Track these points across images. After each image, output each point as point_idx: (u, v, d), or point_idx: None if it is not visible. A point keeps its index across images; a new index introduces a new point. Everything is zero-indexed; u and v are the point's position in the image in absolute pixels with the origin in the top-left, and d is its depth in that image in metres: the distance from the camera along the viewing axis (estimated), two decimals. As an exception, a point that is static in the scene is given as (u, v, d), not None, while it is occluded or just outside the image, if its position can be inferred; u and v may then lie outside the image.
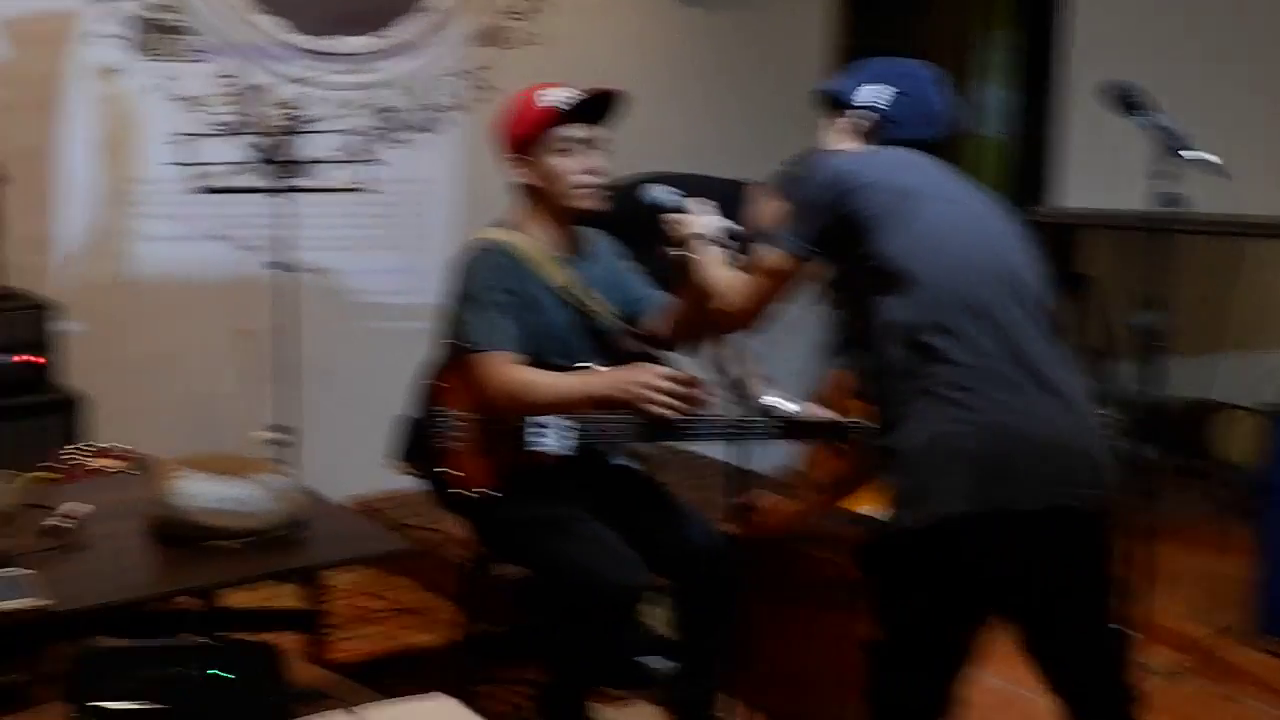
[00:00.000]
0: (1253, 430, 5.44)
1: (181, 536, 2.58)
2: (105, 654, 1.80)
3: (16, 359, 3.63)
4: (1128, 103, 3.12)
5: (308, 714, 1.86)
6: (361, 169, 4.21)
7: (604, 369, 2.94)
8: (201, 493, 2.59)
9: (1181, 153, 3.01)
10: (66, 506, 2.68)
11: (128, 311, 4.32)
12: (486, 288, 2.94)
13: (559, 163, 2.97)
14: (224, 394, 4.51)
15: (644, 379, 2.80)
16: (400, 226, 4.79)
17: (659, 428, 2.89)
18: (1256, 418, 5.42)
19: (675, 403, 2.77)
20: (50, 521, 2.63)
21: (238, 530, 2.58)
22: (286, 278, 4.19)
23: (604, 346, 3.08)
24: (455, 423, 3.02)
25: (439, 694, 1.95)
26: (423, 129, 4.77)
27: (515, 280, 2.96)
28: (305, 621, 2.86)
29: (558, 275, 3.02)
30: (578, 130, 2.97)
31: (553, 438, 2.95)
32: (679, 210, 2.93)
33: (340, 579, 4.32)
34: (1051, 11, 5.59)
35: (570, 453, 2.95)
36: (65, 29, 4.12)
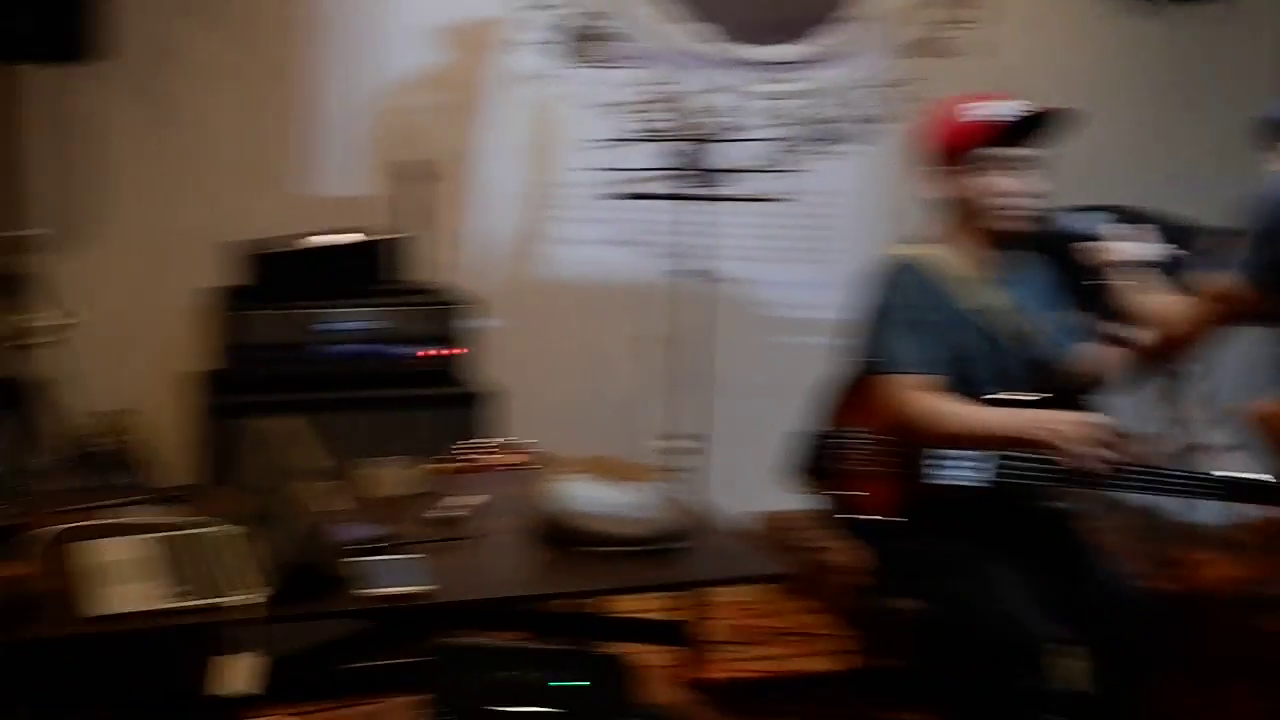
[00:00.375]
0: None
1: (563, 538, 2.53)
2: (463, 650, 1.74)
3: (422, 354, 3.71)
4: None
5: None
6: (779, 179, 4.11)
7: (1025, 405, 2.69)
8: (587, 496, 2.53)
9: None
10: (457, 498, 2.69)
11: (540, 311, 4.40)
12: (903, 306, 2.78)
13: (993, 181, 2.76)
14: (627, 399, 4.52)
15: (1073, 424, 2.56)
16: (814, 239, 4.66)
17: (1084, 475, 2.65)
18: None
19: (1104, 453, 2.52)
20: (440, 512, 2.64)
21: (619, 537, 2.50)
22: (695, 286, 4.14)
23: (1023, 376, 2.83)
24: (858, 443, 2.86)
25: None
26: (845, 140, 4.61)
27: (933, 300, 2.79)
28: (675, 635, 2.75)
29: (979, 297, 2.80)
30: (1018, 148, 2.75)
31: (967, 470, 2.74)
32: (1093, 238, 2.65)
33: (725, 594, 4.23)
34: None
35: (983, 485, 2.72)
36: (494, 36, 4.23)
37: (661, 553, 2.50)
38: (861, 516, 2.89)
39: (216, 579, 2.24)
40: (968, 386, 2.77)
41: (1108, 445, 2.56)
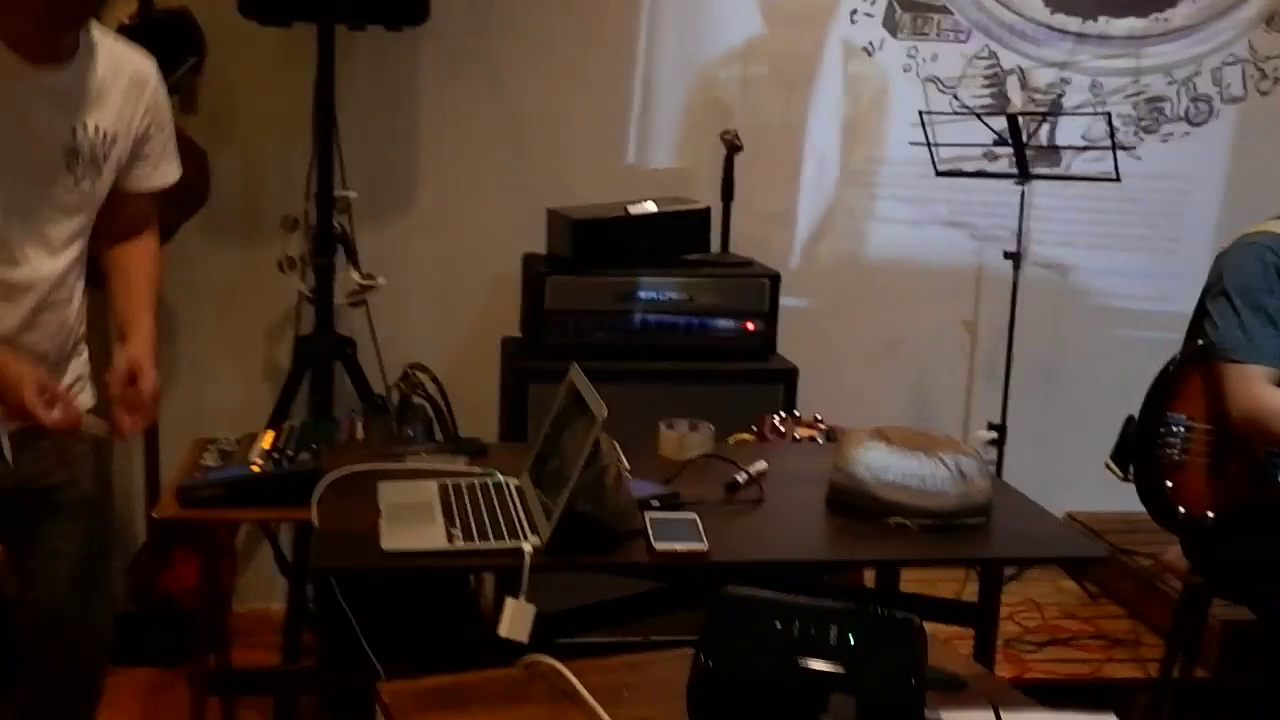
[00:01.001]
0: None
1: (858, 507, 2.44)
2: (741, 600, 1.68)
3: (730, 328, 3.68)
4: None
5: (946, 706, 1.63)
6: (1116, 161, 3.87)
7: None
8: (885, 465, 2.44)
9: None
10: (749, 464, 2.63)
11: (856, 291, 4.30)
12: (1255, 290, 2.55)
13: None
14: (939, 385, 4.38)
15: None
16: (1152, 227, 4.38)
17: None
18: None
19: None
20: (731, 476, 2.60)
21: (916, 509, 2.39)
22: (1019, 271, 3.96)
23: None
24: (1188, 433, 2.65)
25: (1113, 715, 1.65)
26: (1191, 121, 4.31)
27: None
28: (969, 616, 2.61)
29: None
30: None
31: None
32: None
33: (1038, 591, 4.04)
34: None
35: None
36: (828, 7, 4.14)
37: (958, 529, 2.39)
38: (1187, 512, 2.68)
39: (501, 525, 2.27)
40: None
41: None
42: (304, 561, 3.49)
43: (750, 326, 3.70)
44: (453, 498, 2.39)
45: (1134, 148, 4.26)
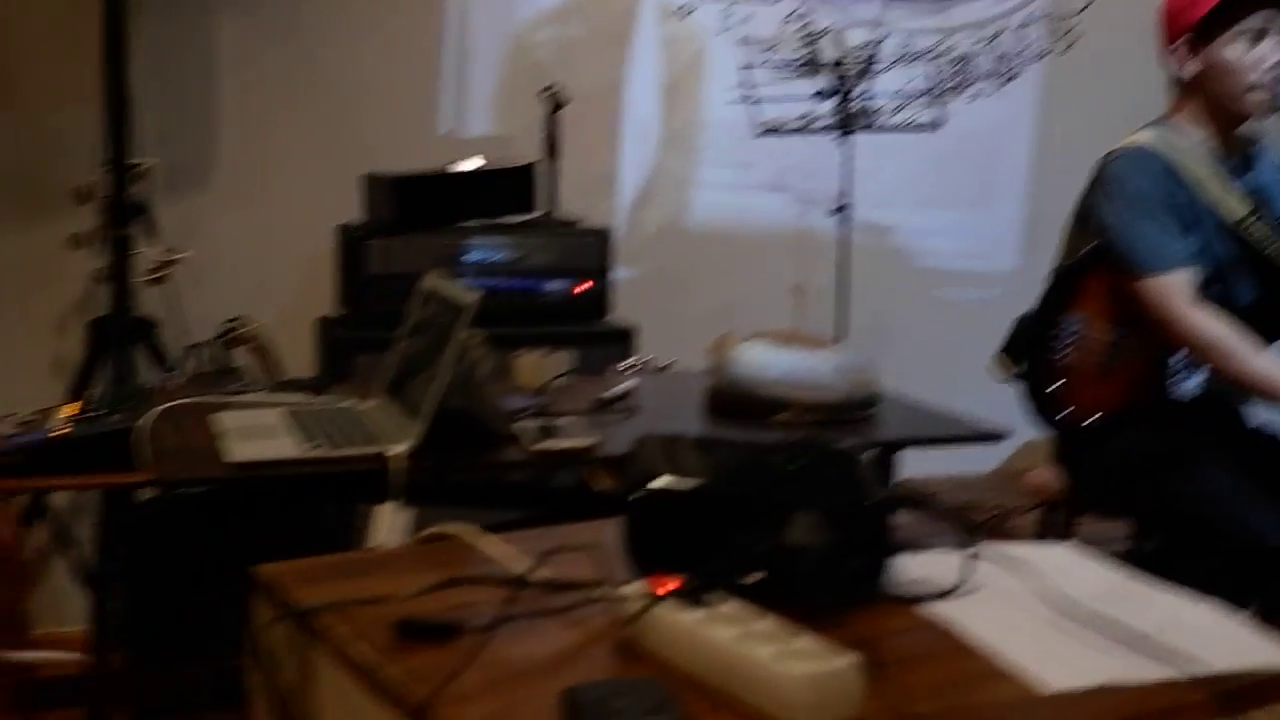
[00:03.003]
0: None
1: (742, 409, 2.31)
2: (667, 438, 1.51)
3: (564, 289, 3.53)
4: None
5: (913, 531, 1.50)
6: (931, 118, 3.88)
7: None
8: (767, 362, 2.32)
9: None
10: (614, 383, 2.48)
11: (682, 258, 4.19)
12: (1149, 196, 2.51)
13: (1239, 56, 2.50)
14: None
15: None
16: (966, 184, 4.41)
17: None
18: None
19: None
20: (599, 394, 2.43)
21: (803, 403, 2.27)
22: (846, 232, 3.92)
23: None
24: (1082, 335, 2.59)
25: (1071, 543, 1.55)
26: (998, 78, 4.37)
27: (1178, 194, 2.52)
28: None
29: (1225, 197, 2.54)
30: (1266, 15, 2.51)
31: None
32: None
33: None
34: None
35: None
36: (641, -33, 4.06)
37: (849, 421, 2.27)
38: (1073, 412, 2.62)
39: (361, 437, 2.06)
40: (1226, 305, 2.53)
41: None
42: (114, 562, 3.17)
43: (583, 286, 3.55)
44: (304, 418, 2.17)
45: (948, 108, 4.28)
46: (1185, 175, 2.52)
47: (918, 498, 1.55)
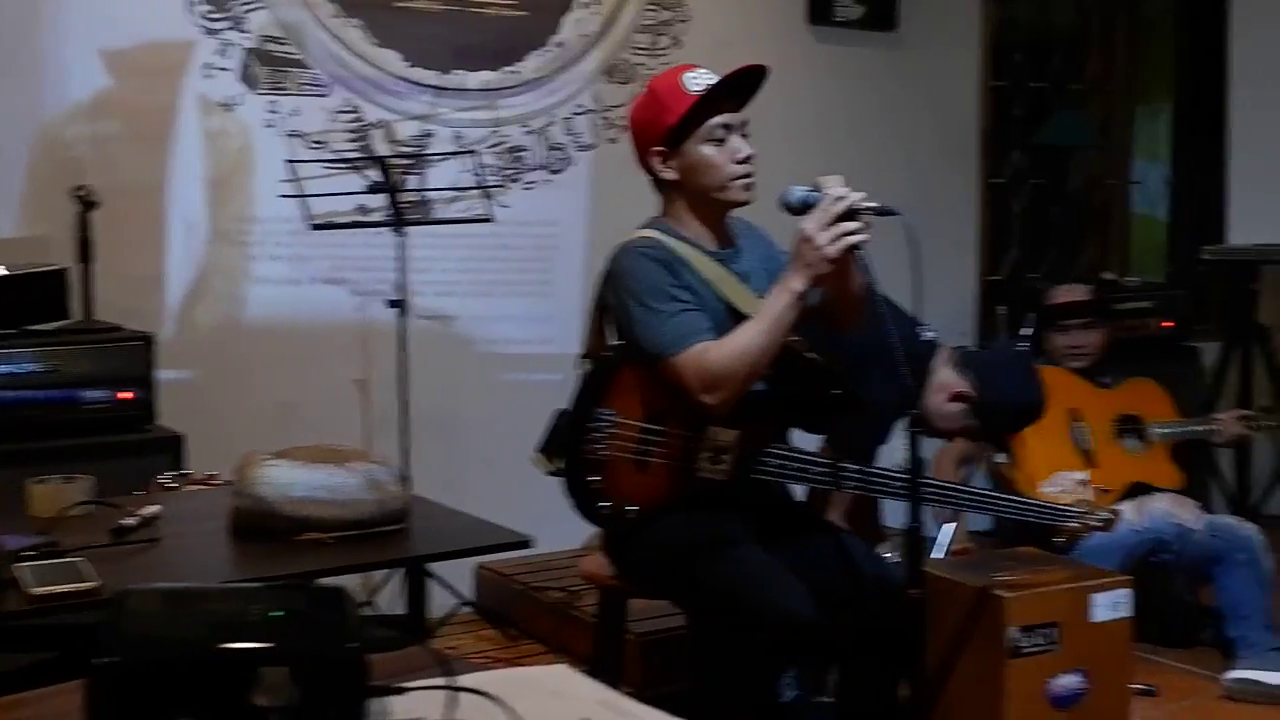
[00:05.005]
0: None
1: (267, 529, 2.25)
2: (145, 593, 1.45)
3: (118, 395, 3.38)
4: None
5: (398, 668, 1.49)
6: (486, 209, 3.95)
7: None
8: (290, 480, 2.27)
9: None
10: (137, 510, 2.37)
11: (239, 357, 4.08)
12: (656, 286, 2.61)
13: (713, 153, 2.66)
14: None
15: (808, 240, 2.47)
16: (526, 272, 4.51)
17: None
18: None
19: (850, 228, 2.45)
20: (117, 520, 2.32)
21: (330, 521, 2.24)
22: (406, 323, 3.92)
23: None
24: (615, 428, 2.67)
25: (564, 666, 1.57)
26: (550, 169, 4.50)
27: (681, 277, 2.65)
28: (407, 624, 2.48)
29: (713, 273, 2.70)
30: (728, 116, 2.68)
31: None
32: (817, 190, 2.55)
33: (461, 642, 3.98)
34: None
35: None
36: (180, 60, 3.94)
37: (377, 536, 2.26)
38: (612, 506, 2.69)
39: None
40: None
41: (849, 218, 2.45)
42: None
43: (125, 395, 3.40)
44: None
45: (502, 192, 4.37)
46: (684, 262, 2.66)
47: (399, 637, 1.55)
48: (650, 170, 2.73)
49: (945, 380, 3.35)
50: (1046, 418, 4.02)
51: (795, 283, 2.54)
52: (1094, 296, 4.32)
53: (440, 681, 1.44)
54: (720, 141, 2.66)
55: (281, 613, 1.43)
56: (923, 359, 3.32)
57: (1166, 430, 4.09)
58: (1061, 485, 3.86)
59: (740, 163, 2.67)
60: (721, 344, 2.56)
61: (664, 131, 2.66)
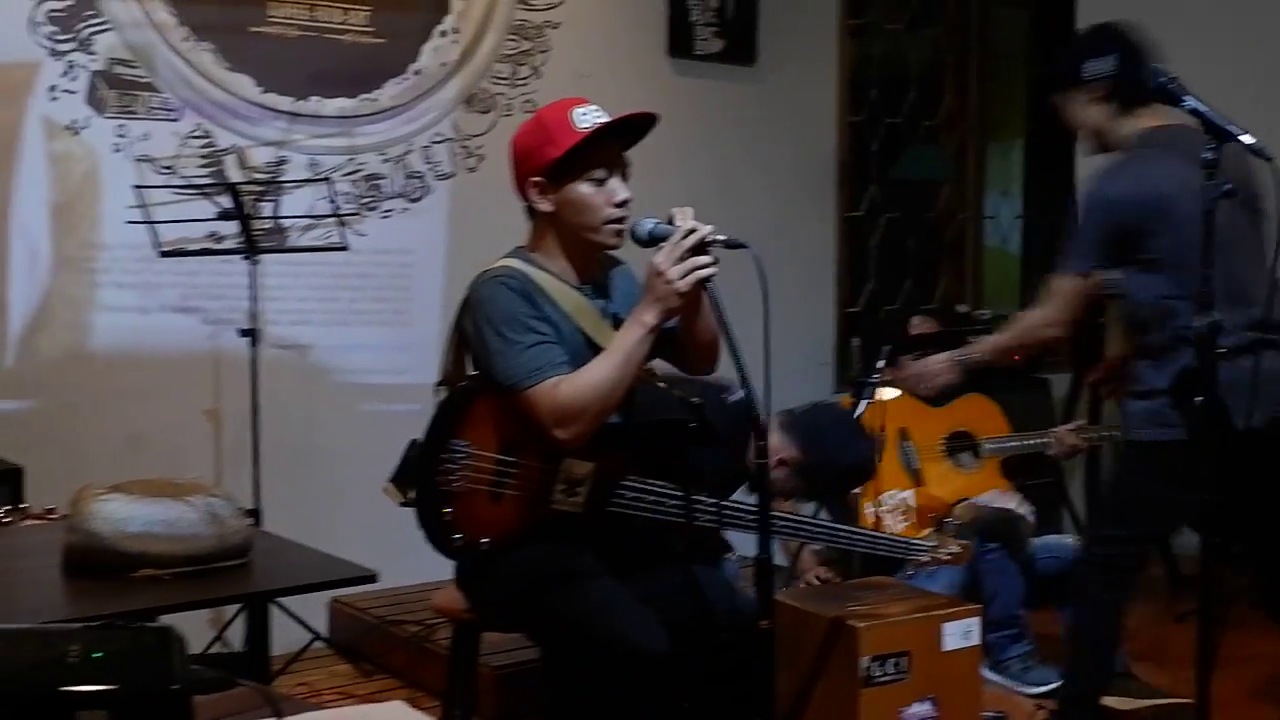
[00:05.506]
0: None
1: (102, 565, 2.18)
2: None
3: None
4: (1167, 91, 2.75)
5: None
6: (341, 237, 3.90)
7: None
8: (126, 515, 2.20)
9: (1241, 138, 2.62)
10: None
11: (84, 387, 3.96)
12: (513, 316, 2.59)
13: (591, 193, 2.63)
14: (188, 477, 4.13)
15: (660, 274, 2.50)
16: (383, 301, 4.45)
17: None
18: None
19: (701, 261, 2.48)
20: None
21: (168, 557, 2.18)
22: (259, 353, 3.85)
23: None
24: (469, 460, 2.63)
25: (398, 702, 1.54)
26: (409, 198, 4.45)
27: (542, 309, 2.63)
28: (245, 664, 2.42)
29: (576, 308, 2.69)
30: (612, 158, 2.66)
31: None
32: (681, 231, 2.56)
33: (314, 678, 3.90)
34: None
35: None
36: (24, 81, 3.83)
37: (217, 571, 2.20)
38: (466, 540, 2.66)
39: None
40: None
41: (700, 251, 2.47)
42: None
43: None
44: None
45: (358, 220, 4.32)
46: (545, 294, 2.65)
47: (226, 677, 1.50)
48: (526, 199, 2.72)
49: (771, 445, 3.37)
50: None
51: (647, 316, 2.54)
52: (945, 328, 4.40)
53: (270, 722, 1.40)
54: (600, 182, 2.64)
55: (102, 654, 1.38)
56: (739, 421, 3.32)
57: (998, 445, 4.17)
58: (887, 505, 3.92)
59: (617, 206, 2.66)
60: (574, 378, 2.55)
61: (547, 164, 2.63)
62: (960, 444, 4.18)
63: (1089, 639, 3.28)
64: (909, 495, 4.04)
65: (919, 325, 4.37)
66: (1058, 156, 5.71)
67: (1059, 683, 3.49)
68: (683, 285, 2.48)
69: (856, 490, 3.92)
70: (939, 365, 3.53)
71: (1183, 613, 4.58)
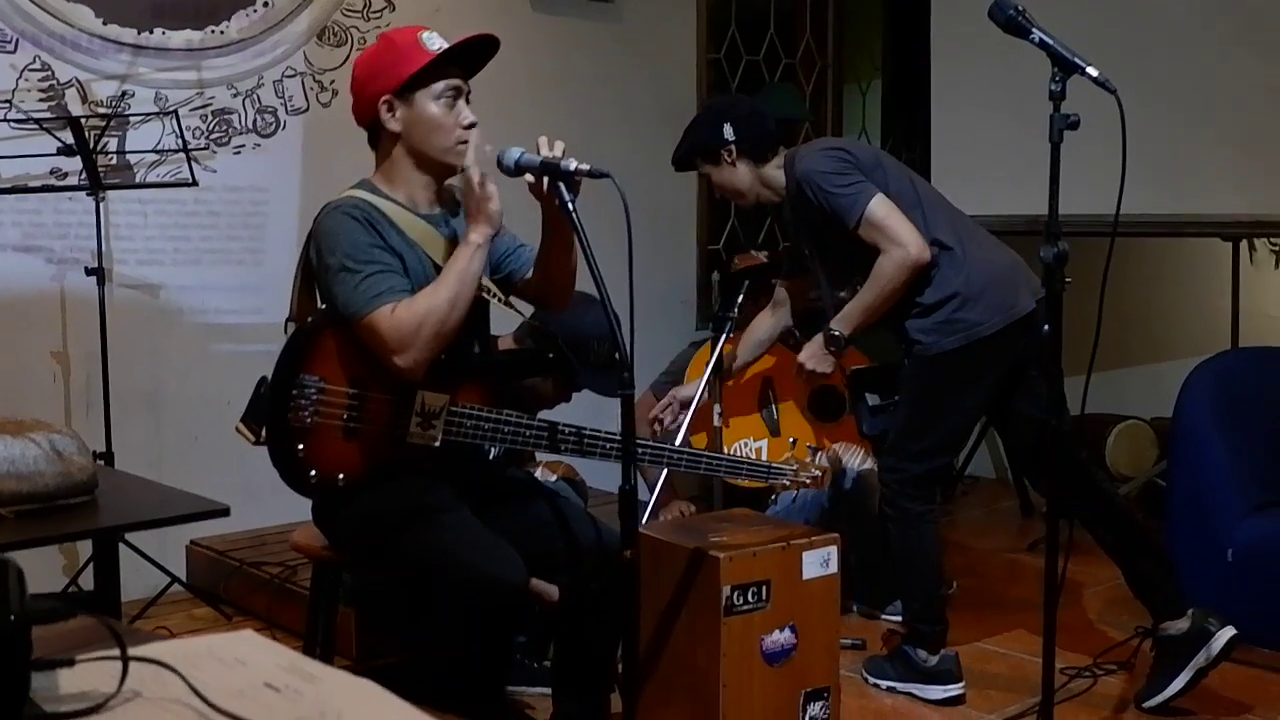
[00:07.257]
0: (1146, 442, 5.30)
1: (-66, 506, 2.09)
2: None
3: None
4: (1016, 23, 2.78)
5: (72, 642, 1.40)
6: (191, 166, 3.78)
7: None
8: (-41, 454, 2.11)
9: (1087, 70, 2.66)
10: None
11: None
12: (356, 245, 2.55)
13: (441, 114, 2.63)
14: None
15: (477, 201, 2.56)
16: (235, 239, 4.34)
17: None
18: (1146, 429, 5.26)
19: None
20: None
21: (11, 494, 2.10)
22: (107, 294, 3.74)
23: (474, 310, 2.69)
24: (322, 395, 2.58)
25: (248, 630, 1.50)
26: (260, 133, 4.34)
27: (387, 238, 2.60)
28: (94, 601, 2.36)
29: (425, 235, 2.66)
30: (458, 80, 2.65)
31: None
32: (547, 160, 2.53)
33: (169, 618, 3.84)
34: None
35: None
36: None
37: (62, 509, 2.13)
38: (320, 476, 2.61)
39: None
40: None
41: (562, 178, 2.46)
42: None
43: None
44: None
45: (209, 156, 4.20)
46: (390, 222, 2.62)
47: (65, 608, 1.46)
48: (371, 121, 2.67)
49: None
50: (743, 391, 4.14)
51: (473, 235, 2.57)
52: (771, 259, 4.42)
53: (114, 652, 1.36)
54: (450, 104, 2.64)
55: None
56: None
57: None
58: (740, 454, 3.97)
59: (466, 128, 2.65)
60: (409, 302, 2.53)
61: (399, 82, 2.61)
62: (827, 396, 4.22)
63: (913, 555, 3.39)
64: (761, 444, 4.09)
65: (745, 259, 4.42)
66: (915, 99, 5.80)
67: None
68: (494, 207, 2.56)
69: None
70: (814, 358, 3.55)
71: (1032, 542, 4.74)
